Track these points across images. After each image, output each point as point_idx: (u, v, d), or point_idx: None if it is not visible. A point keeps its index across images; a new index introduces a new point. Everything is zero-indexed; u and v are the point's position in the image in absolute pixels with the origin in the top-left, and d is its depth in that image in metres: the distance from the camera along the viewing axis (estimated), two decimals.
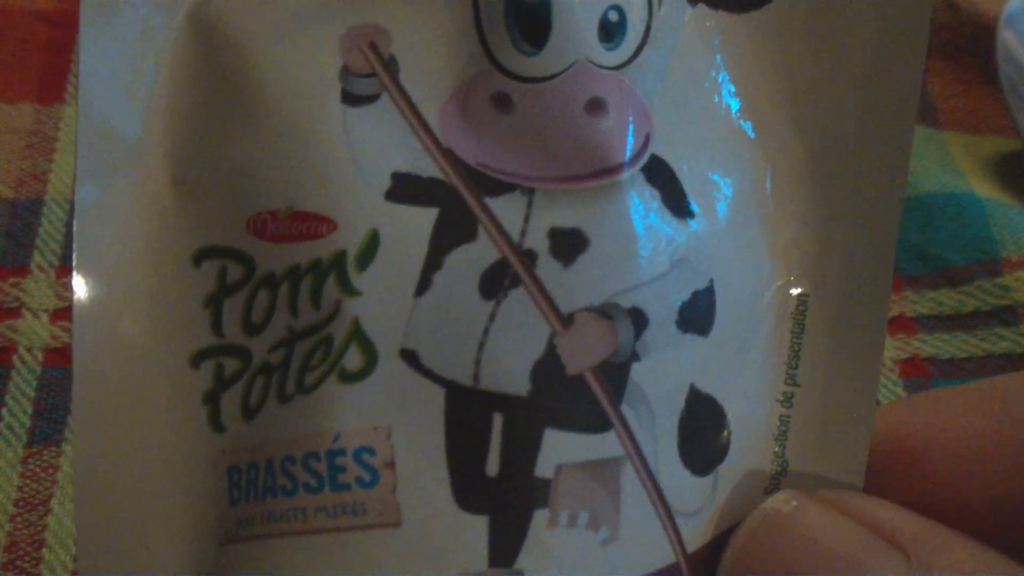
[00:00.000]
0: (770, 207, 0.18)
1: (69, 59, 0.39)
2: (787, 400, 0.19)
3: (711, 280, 0.18)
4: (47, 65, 0.39)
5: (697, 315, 0.18)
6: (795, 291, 0.19)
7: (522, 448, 0.17)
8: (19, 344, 0.33)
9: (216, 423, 0.17)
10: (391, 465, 0.17)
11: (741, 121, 0.18)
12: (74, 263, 0.16)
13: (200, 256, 0.17)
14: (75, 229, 0.16)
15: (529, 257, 0.17)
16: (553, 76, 0.16)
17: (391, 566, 0.16)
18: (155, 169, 0.17)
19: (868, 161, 0.18)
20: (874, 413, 0.18)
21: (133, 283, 0.17)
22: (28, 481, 0.30)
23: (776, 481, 0.18)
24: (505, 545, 0.17)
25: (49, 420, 0.31)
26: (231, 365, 0.17)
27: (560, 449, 0.17)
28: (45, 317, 0.33)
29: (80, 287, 0.16)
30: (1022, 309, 0.33)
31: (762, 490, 0.18)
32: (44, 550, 0.29)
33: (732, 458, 0.18)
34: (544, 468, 0.17)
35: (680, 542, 0.18)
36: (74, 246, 0.16)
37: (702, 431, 0.18)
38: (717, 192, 0.18)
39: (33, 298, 0.34)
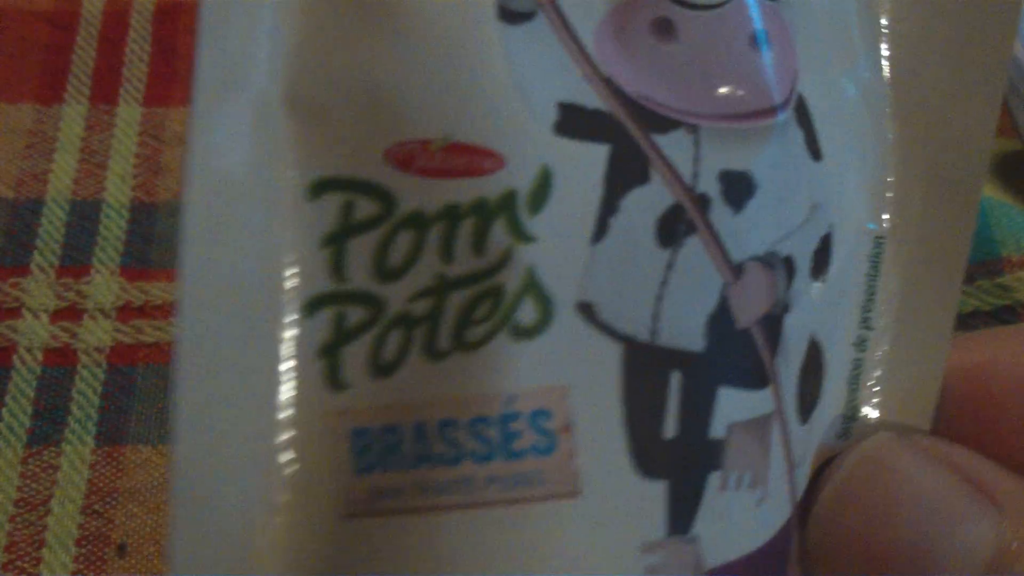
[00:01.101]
0: (867, 148, 0.18)
1: (69, 59, 0.39)
2: (861, 344, 0.18)
3: (831, 224, 0.17)
4: (47, 65, 0.39)
5: (822, 262, 0.17)
6: (873, 232, 0.18)
7: (699, 408, 0.16)
8: (19, 344, 0.33)
9: (335, 380, 0.15)
10: (568, 429, 0.15)
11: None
12: (185, 186, 0.14)
13: (318, 188, 0.15)
14: (188, 152, 0.14)
15: (703, 202, 0.15)
16: (720, 4, 0.15)
17: (570, 539, 0.15)
18: (265, 84, 0.14)
19: (955, 111, 0.18)
20: (944, 361, 0.18)
21: (238, 214, 0.14)
22: (28, 481, 0.30)
23: (847, 425, 0.18)
24: (683, 511, 0.16)
25: (49, 420, 0.31)
26: (356, 314, 0.15)
27: (731, 408, 0.16)
28: (45, 317, 0.33)
29: (190, 214, 0.14)
30: (1022, 309, 0.33)
31: (834, 435, 0.18)
32: (44, 550, 0.29)
33: (822, 405, 0.18)
34: (718, 429, 0.16)
35: (795, 494, 0.17)
36: (190, 163, 0.14)
37: (811, 381, 0.17)
38: (834, 134, 0.17)
39: (33, 298, 0.34)
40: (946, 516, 0.16)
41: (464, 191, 0.15)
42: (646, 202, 0.15)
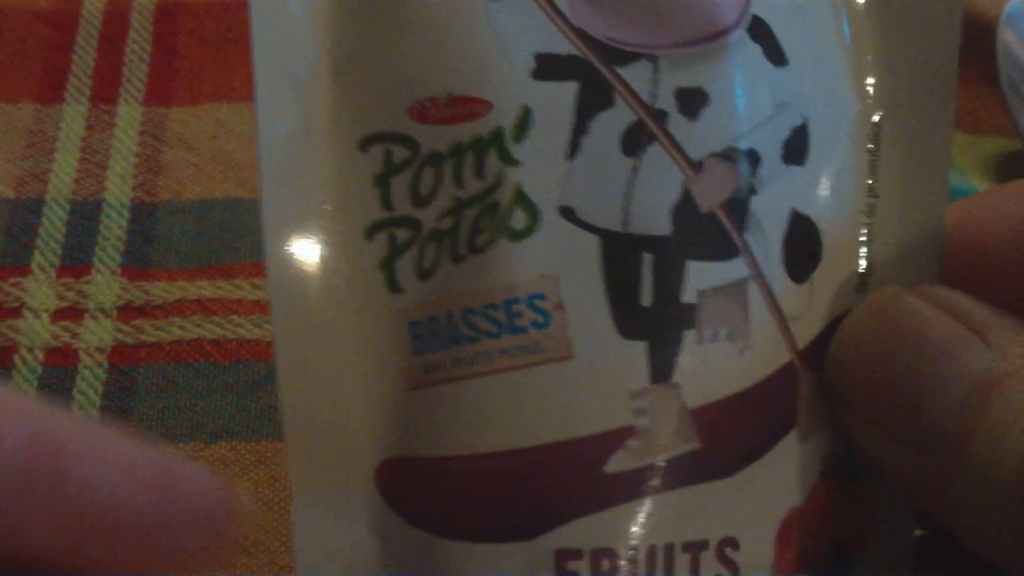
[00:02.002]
0: (847, 46, 0.21)
1: (69, 59, 0.39)
2: (870, 211, 0.21)
3: (805, 117, 0.20)
4: (47, 65, 0.39)
5: (796, 149, 0.20)
6: (872, 118, 0.21)
7: (670, 280, 0.19)
8: (20, 344, 0.33)
9: (393, 285, 0.19)
10: (560, 307, 0.19)
11: None
12: (259, 152, 0.19)
13: (366, 142, 0.19)
14: (259, 129, 0.19)
15: (661, 116, 0.19)
16: None
17: (567, 392, 0.19)
18: (319, 68, 0.19)
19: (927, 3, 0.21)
20: (944, 217, 0.21)
21: (309, 165, 0.19)
22: None
23: (865, 280, 0.21)
24: (663, 363, 0.19)
25: None
26: (402, 234, 0.19)
27: (701, 277, 0.19)
28: (46, 317, 0.33)
29: (267, 171, 0.19)
30: None
31: (853, 289, 0.21)
32: None
33: (825, 265, 0.21)
34: (689, 295, 0.19)
35: (792, 342, 0.20)
36: (259, 136, 0.19)
37: (800, 246, 0.20)
38: (804, 40, 0.20)
39: (34, 298, 0.34)
40: (942, 350, 0.19)
41: (465, 132, 0.19)
42: (611, 122, 0.19)
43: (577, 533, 0.19)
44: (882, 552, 0.21)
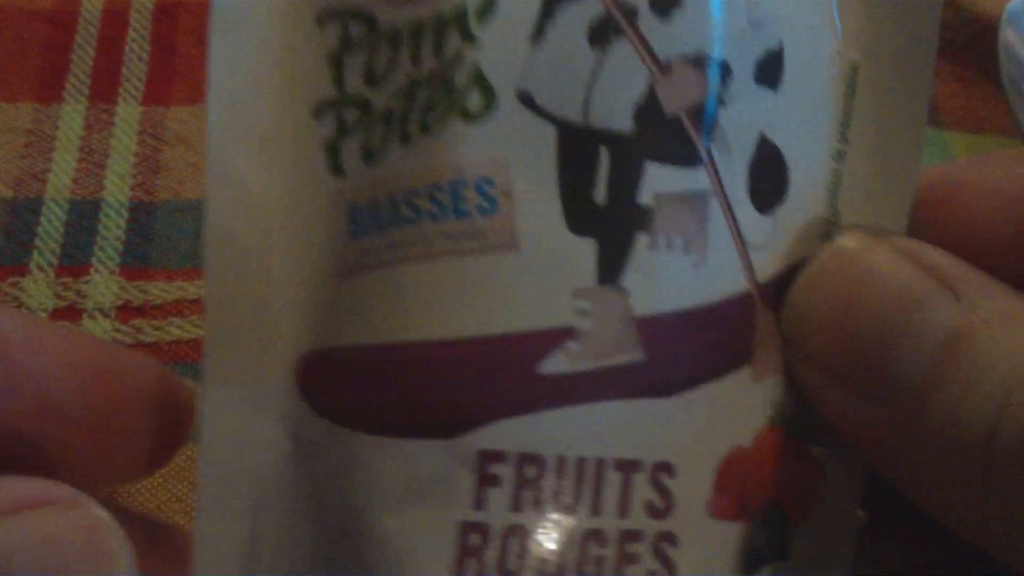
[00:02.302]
0: None
1: (69, 58, 0.39)
2: (839, 156, 0.20)
3: (781, 40, 0.20)
4: (46, 64, 0.39)
5: (770, 71, 0.20)
6: (849, 58, 0.21)
7: (626, 178, 0.18)
8: None
9: (337, 168, 0.19)
10: (509, 194, 0.18)
11: None
12: (212, 21, 0.18)
13: (323, 17, 0.19)
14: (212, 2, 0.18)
15: (631, 11, 0.18)
16: None
17: (508, 284, 0.18)
18: None
19: None
20: (917, 173, 0.20)
21: (263, 37, 0.19)
22: None
23: (830, 227, 0.20)
24: (612, 264, 0.18)
25: None
26: (351, 115, 0.19)
27: (659, 180, 0.19)
28: (44, 317, 0.33)
29: (217, 39, 0.18)
30: None
31: (817, 235, 0.20)
32: None
33: (790, 203, 0.20)
34: (645, 197, 0.18)
35: (752, 271, 0.20)
36: (212, 8, 0.18)
37: (766, 175, 0.20)
38: None
39: (32, 298, 0.34)
40: (907, 302, 0.18)
41: (426, 9, 0.18)
42: (580, 12, 0.18)
43: (503, 435, 0.18)
44: (823, 524, 0.21)
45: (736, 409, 0.19)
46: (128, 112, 0.38)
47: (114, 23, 0.40)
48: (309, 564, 0.19)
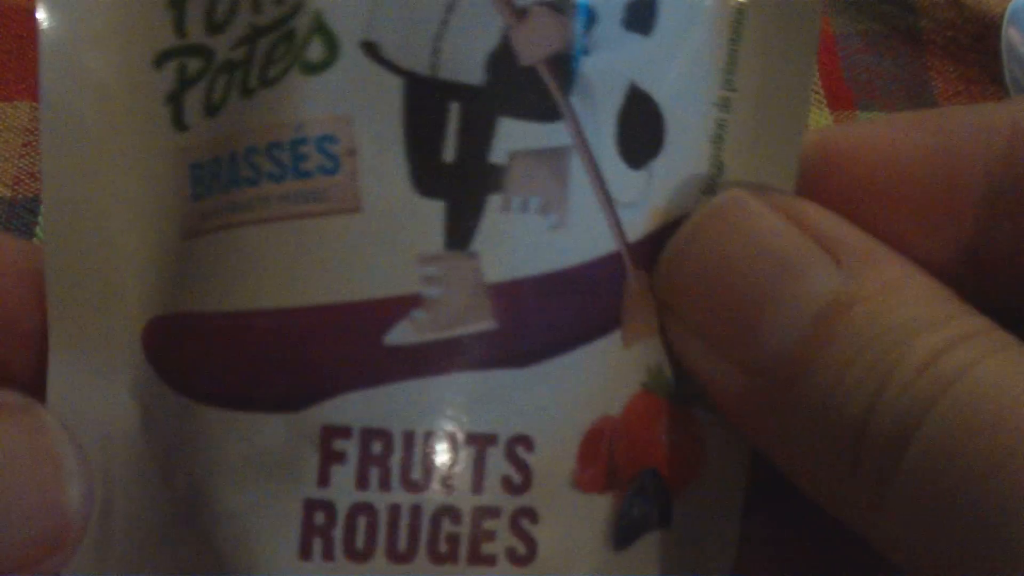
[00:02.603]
0: None
1: None
2: (724, 105, 0.19)
3: None
4: None
5: (641, 15, 0.18)
6: (734, 1, 0.19)
7: (477, 135, 0.17)
8: None
9: (179, 122, 0.18)
10: (352, 153, 0.17)
11: None
12: None
13: None
14: None
15: None
16: None
17: (350, 249, 0.17)
18: None
19: None
20: (805, 124, 0.19)
21: None
22: None
23: (712, 181, 0.19)
24: (462, 227, 0.17)
25: None
26: (193, 65, 0.18)
27: (513, 136, 0.17)
28: None
29: None
30: None
31: (699, 189, 0.19)
32: None
33: (667, 156, 0.19)
34: (498, 155, 0.17)
35: (621, 231, 0.18)
36: None
37: (638, 126, 0.19)
38: None
39: None
40: (783, 268, 0.17)
41: None
42: None
43: (347, 408, 0.17)
44: (708, 489, 0.20)
45: (603, 377, 0.18)
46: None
47: None
48: (159, 537, 0.18)
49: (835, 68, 0.41)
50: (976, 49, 0.42)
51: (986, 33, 0.42)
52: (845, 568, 0.21)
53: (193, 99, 0.18)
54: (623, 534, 0.19)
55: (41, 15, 0.17)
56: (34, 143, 0.37)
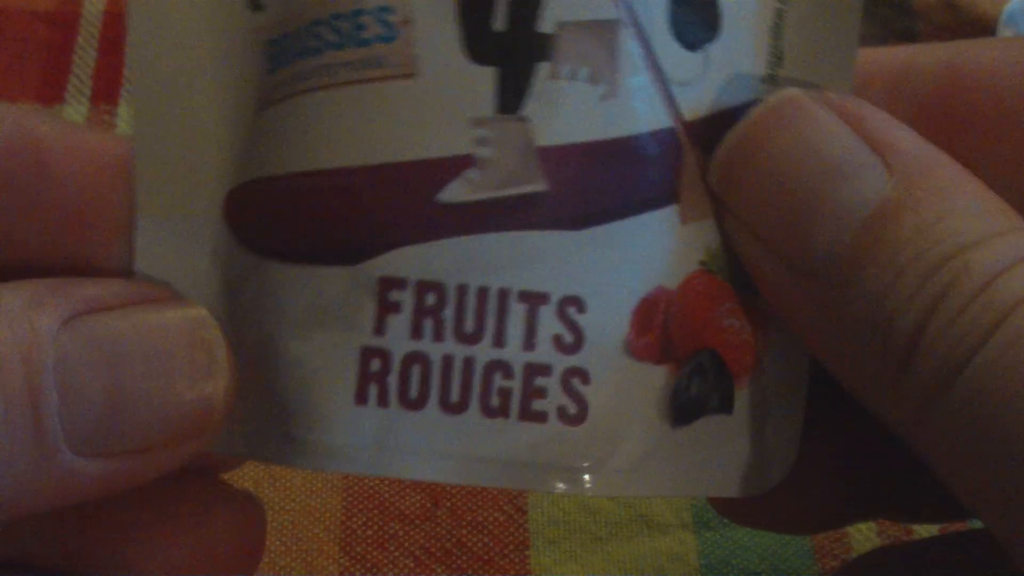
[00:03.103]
0: None
1: (69, 59, 0.39)
2: None
3: None
4: (47, 65, 0.39)
5: None
6: None
7: (526, 5, 0.18)
8: None
9: (255, 3, 0.19)
10: (408, 22, 0.18)
11: None
12: None
13: None
14: None
15: None
16: None
17: (406, 111, 0.18)
18: None
19: None
20: (861, 16, 0.19)
21: None
22: None
23: (772, 72, 0.20)
24: (512, 92, 0.18)
25: None
26: None
27: (561, 7, 0.18)
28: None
29: None
30: None
31: (758, 78, 0.20)
32: None
33: (724, 41, 0.19)
34: (547, 25, 0.18)
35: (675, 107, 0.19)
36: None
37: (692, 7, 0.19)
38: None
39: None
40: (835, 171, 0.17)
41: None
42: None
43: (403, 262, 0.18)
44: (769, 382, 0.20)
45: (659, 248, 0.19)
46: (130, 113, 0.38)
47: (115, 24, 0.40)
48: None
49: None
50: None
51: (982, 35, 0.43)
52: (899, 487, 0.21)
53: None
54: (680, 412, 0.19)
55: None
56: None
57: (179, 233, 0.19)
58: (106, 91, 0.39)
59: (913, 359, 0.16)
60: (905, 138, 0.17)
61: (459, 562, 0.32)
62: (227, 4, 0.19)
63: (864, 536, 0.33)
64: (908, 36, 0.43)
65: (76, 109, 0.38)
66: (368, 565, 0.32)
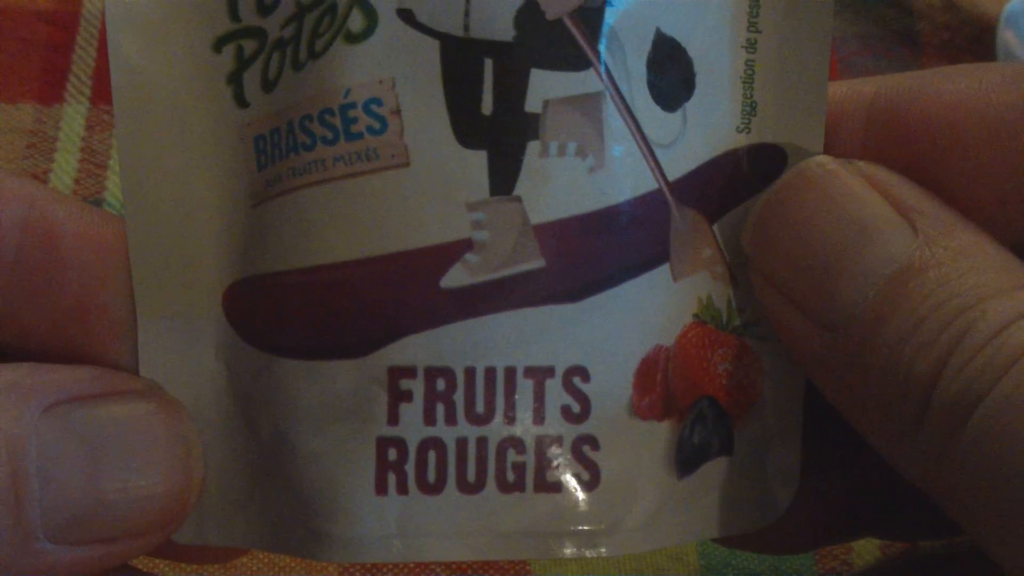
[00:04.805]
0: None
1: (69, 59, 0.39)
2: (751, 45, 0.20)
3: None
4: (47, 65, 0.39)
5: None
6: None
7: (511, 87, 0.19)
8: None
9: (241, 100, 0.19)
10: (397, 113, 0.18)
11: None
12: None
13: None
14: None
15: None
16: None
17: (403, 201, 0.18)
18: None
19: None
20: (829, 60, 0.20)
21: None
22: None
23: (747, 119, 0.20)
24: (504, 174, 0.19)
25: None
26: (249, 46, 0.19)
27: (546, 86, 0.19)
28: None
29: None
30: None
31: (734, 127, 0.20)
32: None
33: (700, 97, 0.20)
34: (533, 104, 0.19)
35: (660, 169, 0.19)
36: None
37: (668, 71, 0.20)
38: None
39: None
40: (861, 232, 0.18)
41: None
42: None
43: (411, 350, 0.18)
44: (767, 420, 0.21)
45: (654, 308, 0.20)
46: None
47: None
48: (249, 488, 0.19)
49: (833, 69, 0.42)
50: (972, 51, 0.43)
51: (982, 35, 0.43)
52: (908, 526, 0.22)
53: (251, 77, 0.19)
54: (685, 461, 0.20)
55: (108, 13, 0.19)
56: (37, 144, 0.37)
57: (180, 331, 0.19)
58: (106, 91, 0.38)
59: (929, 401, 0.17)
60: (927, 202, 0.18)
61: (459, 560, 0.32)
62: (214, 100, 0.19)
63: (865, 539, 0.33)
64: (908, 36, 0.43)
65: (76, 109, 0.38)
66: (368, 564, 0.32)
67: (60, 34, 0.40)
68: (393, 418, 0.19)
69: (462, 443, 0.19)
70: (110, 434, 0.17)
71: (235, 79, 0.19)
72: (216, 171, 0.19)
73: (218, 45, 0.19)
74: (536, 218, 0.19)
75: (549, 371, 0.19)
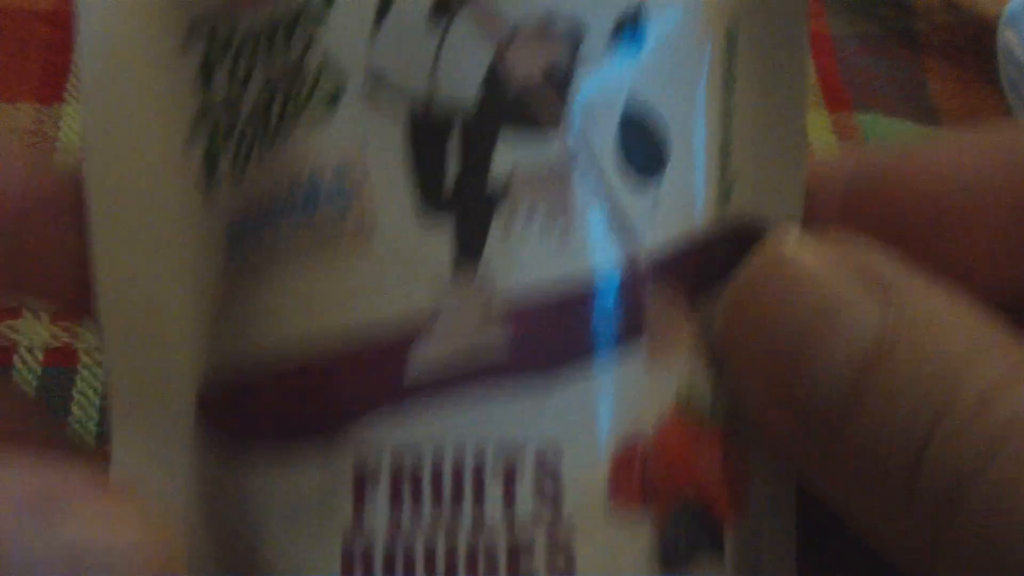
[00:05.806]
0: None
1: (69, 59, 0.39)
2: (727, 114, 0.20)
3: (640, 2, 0.19)
4: (47, 65, 0.39)
5: (632, 31, 0.19)
6: (725, 26, 0.20)
7: (478, 151, 0.18)
8: (20, 344, 0.33)
9: (212, 187, 0.19)
10: (362, 184, 0.18)
11: None
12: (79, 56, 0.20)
13: (190, 30, 0.20)
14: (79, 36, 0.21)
15: None
16: None
17: (367, 276, 0.18)
18: None
19: None
20: (805, 126, 0.20)
21: (130, 64, 0.20)
22: None
23: (726, 192, 0.20)
24: (469, 244, 0.18)
25: None
26: (223, 123, 0.19)
27: (513, 154, 0.18)
28: (46, 317, 0.33)
29: (87, 72, 0.20)
30: None
31: (713, 200, 0.20)
32: None
33: (675, 167, 0.19)
34: (500, 170, 0.18)
35: (634, 240, 0.19)
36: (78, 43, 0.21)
37: (640, 138, 0.19)
38: None
39: None
40: (825, 316, 0.17)
41: (280, 5, 0.19)
42: None
43: (376, 432, 0.18)
44: (758, 517, 0.19)
45: (630, 390, 0.18)
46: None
47: None
48: None
49: (833, 69, 0.42)
50: (972, 51, 0.43)
51: (982, 35, 0.43)
52: None
53: (224, 159, 0.19)
54: (672, 561, 0.19)
55: (82, 107, 0.19)
56: (38, 144, 0.37)
57: (153, 432, 0.19)
58: None
59: (913, 490, 0.16)
60: (899, 270, 0.17)
61: None
62: (185, 192, 0.19)
63: None
64: (908, 36, 0.43)
65: (76, 108, 0.38)
66: None
67: (60, 34, 0.40)
68: (359, 505, 0.18)
69: (430, 528, 0.18)
70: (92, 545, 0.16)
71: (210, 159, 0.19)
72: (187, 264, 0.19)
73: (190, 139, 0.19)
74: (504, 283, 0.18)
75: (520, 450, 0.18)
